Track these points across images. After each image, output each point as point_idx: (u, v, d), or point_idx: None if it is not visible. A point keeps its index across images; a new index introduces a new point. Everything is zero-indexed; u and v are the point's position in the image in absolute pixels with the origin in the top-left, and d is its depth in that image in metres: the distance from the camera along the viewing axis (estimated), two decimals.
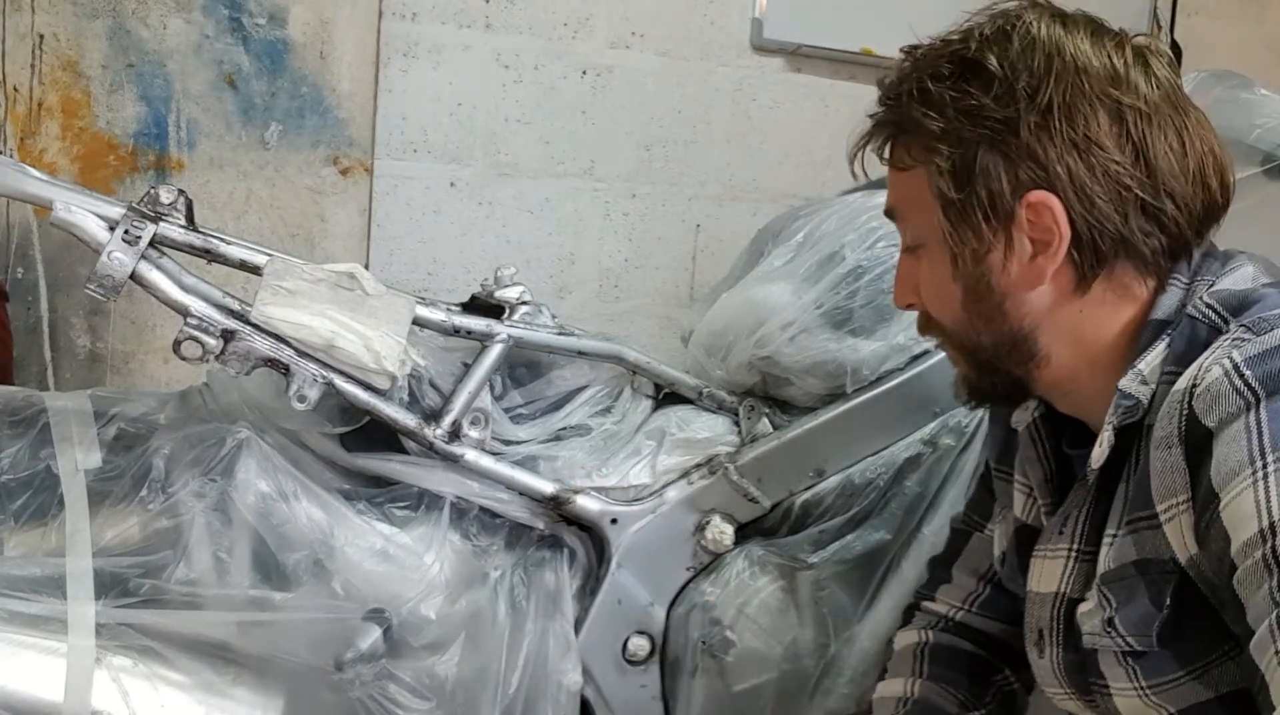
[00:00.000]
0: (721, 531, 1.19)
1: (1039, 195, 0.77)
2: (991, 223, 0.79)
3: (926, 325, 0.90)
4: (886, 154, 0.86)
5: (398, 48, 1.67)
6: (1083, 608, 0.81)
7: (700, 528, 1.19)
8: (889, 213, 0.89)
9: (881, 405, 1.19)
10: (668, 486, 1.20)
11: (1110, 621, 0.77)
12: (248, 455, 1.03)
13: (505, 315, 1.17)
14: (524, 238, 1.77)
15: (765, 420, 1.23)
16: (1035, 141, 0.77)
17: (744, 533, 1.21)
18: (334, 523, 1.05)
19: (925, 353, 1.19)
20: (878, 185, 1.49)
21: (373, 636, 1.02)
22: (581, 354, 1.20)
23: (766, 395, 1.25)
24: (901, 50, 0.85)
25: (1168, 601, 0.74)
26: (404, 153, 1.69)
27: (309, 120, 1.62)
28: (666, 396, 1.27)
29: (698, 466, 1.20)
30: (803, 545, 1.19)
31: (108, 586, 0.95)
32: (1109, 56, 0.79)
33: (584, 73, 1.77)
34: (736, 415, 1.24)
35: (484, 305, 1.20)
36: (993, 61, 0.78)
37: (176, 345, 1.00)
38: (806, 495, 1.21)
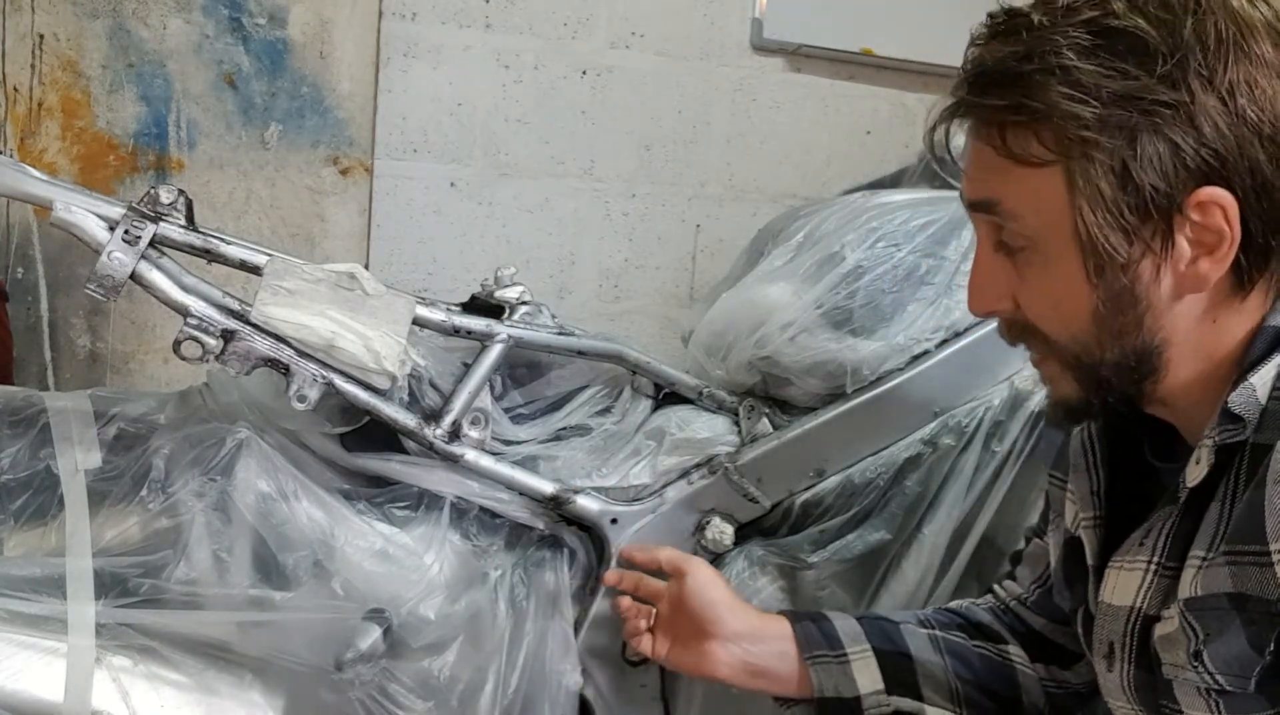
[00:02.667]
0: (721, 531, 1.19)
1: (1211, 192, 0.67)
2: (1151, 223, 0.68)
3: (1020, 334, 0.78)
4: (999, 142, 0.71)
5: (398, 48, 1.67)
6: (1161, 630, 0.75)
7: (700, 528, 1.19)
8: (980, 205, 0.76)
9: (881, 405, 1.19)
10: (668, 486, 1.19)
11: (1198, 655, 0.71)
12: (248, 455, 1.03)
13: (505, 315, 1.17)
14: (524, 238, 1.77)
15: (765, 420, 1.23)
16: (1213, 129, 0.66)
17: (744, 533, 1.21)
18: (334, 523, 1.05)
19: (925, 353, 1.19)
20: (878, 185, 1.49)
21: (372, 636, 1.01)
22: (581, 354, 1.20)
23: (766, 395, 1.25)
24: (992, 15, 0.72)
25: (1271, 646, 0.67)
26: (404, 153, 1.69)
27: (309, 120, 1.62)
28: (666, 396, 1.27)
29: (698, 466, 1.20)
30: (803, 545, 1.19)
31: (108, 586, 0.95)
32: (1267, 14, 0.69)
33: (584, 73, 1.77)
34: (736, 415, 1.24)
35: (484, 305, 1.20)
36: (1153, 33, 0.66)
37: (176, 345, 1.00)
38: (806, 495, 1.21)
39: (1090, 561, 0.85)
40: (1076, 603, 0.89)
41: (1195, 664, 0.71)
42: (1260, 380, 0.69)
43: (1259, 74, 0.67)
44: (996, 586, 1.08)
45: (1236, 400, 0.69)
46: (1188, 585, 0.72)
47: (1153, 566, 0.76)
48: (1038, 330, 0.76)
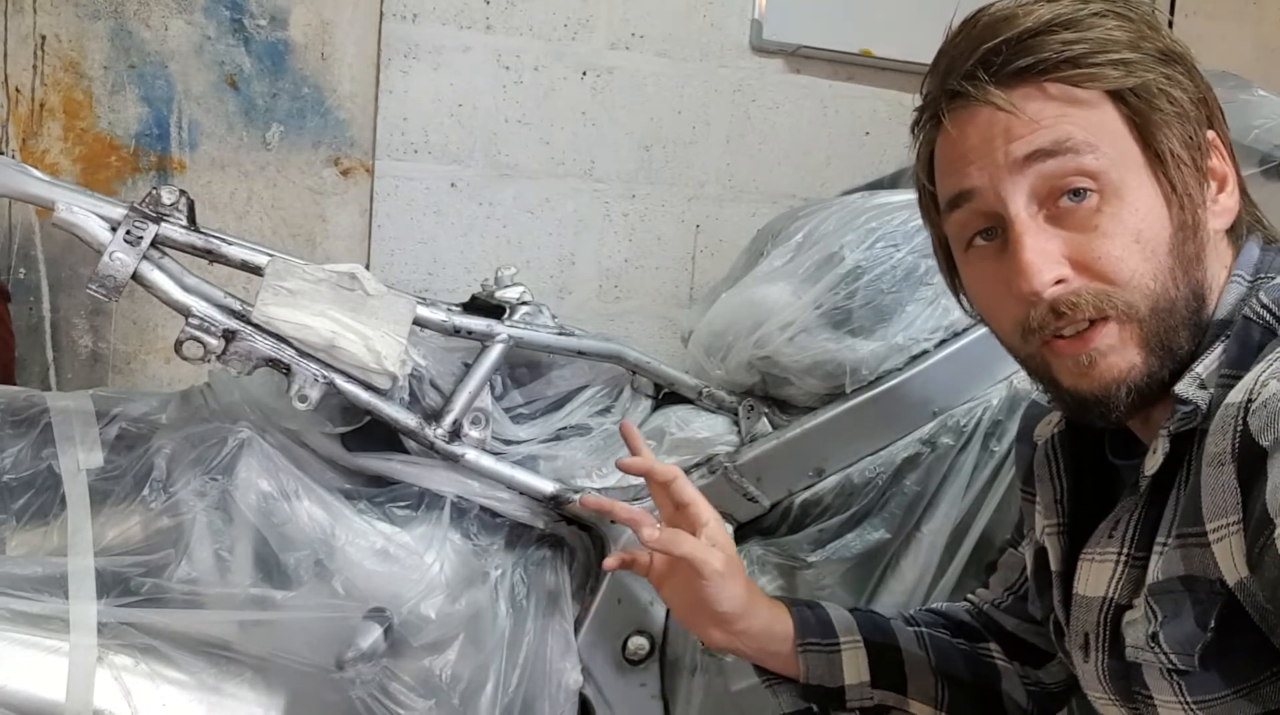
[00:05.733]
0: None
1: (1212, 135, 0.77)
2: (1195, 152, 0.76)
3: (1072, 301, 0.74)
4: (1058, 84, 0.74)
5: (398, 49, 1.67)
6: (1129, 616, 0.77)
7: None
8: (1043, 153, 0.74)
9: (880, 405, 1.20)
10: None
11: (1154, 636, 0.73)
12: (249, 455, 1.03)
13: (505, 315, 1.17)
14: (524, 238, 1.77)
15: (765, 420, 1.23)
16: (1205, 83, 0.77)
17: (743, 532, 1.21)
18: (335, 522, 1.05)
19: (924, 353, 1.20)
20: (877, 185, 1.50)
21: (373, 635, 1.02)
22: (581, 354, 1.21)
23: (766, 395, 1.25)
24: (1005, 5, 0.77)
25: (1212, 624, 0.69)
26: (405, 153, 1.69)
27: (310, 121, 1.62)
28: (666, 396, 1.28)
29: (697, 466, 1.21)
30: (802, 544, 1.19)
31: (109, 586, 0.95)
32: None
33: (584, 73, 1.77)
34: (736, 415, 1.25)
35: (484, 305, 1.20)
36: (1130, 11, 0.77)
37: (178, 345, 1.00)
38: (806, 495, 1.21)
39: (1054, 567, 0.87)
40: (1047, 611, 0.91)
41: (1152, 645, 0.73)
42: (1205, 369, 0.73)
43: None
44: (970, 595, 1.10)
45: (1182, 387, 0.72)
46: (1152, 572, 0.74)
47: (1123, 557, 0.78)
48: (1102, 287, 0.74)
